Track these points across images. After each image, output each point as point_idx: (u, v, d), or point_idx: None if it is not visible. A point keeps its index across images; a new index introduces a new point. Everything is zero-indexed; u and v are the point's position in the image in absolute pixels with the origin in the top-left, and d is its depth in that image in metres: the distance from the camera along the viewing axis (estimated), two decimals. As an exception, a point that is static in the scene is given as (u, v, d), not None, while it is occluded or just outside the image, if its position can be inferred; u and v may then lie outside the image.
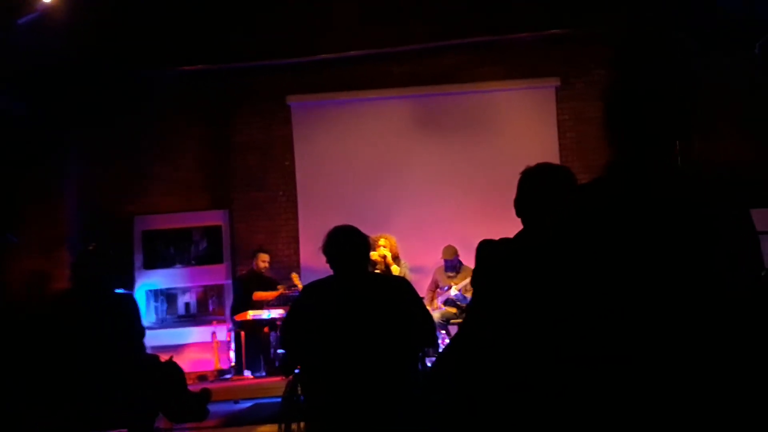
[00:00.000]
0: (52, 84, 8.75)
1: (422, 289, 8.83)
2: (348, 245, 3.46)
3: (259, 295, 8.11)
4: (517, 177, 9.16)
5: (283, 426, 3.32)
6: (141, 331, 3.73)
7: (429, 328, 3.45)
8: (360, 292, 3.36)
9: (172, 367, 3.94)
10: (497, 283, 2.26)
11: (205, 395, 4.09)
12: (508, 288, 2.17)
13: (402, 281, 3.67)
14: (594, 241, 1.62)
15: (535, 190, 2.48)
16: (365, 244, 3.52)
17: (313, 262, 9.19)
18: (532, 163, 8.72)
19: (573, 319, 1.61)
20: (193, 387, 8.14)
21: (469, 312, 2.73)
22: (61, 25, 7.20)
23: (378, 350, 3.25)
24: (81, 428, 3.43)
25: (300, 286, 7.88)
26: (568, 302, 1.63)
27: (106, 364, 3.43)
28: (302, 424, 3.28)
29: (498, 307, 2.21)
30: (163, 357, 9.27)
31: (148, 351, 9.17)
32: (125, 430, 3.60)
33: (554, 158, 9.48)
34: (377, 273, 3.82)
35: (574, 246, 1.65)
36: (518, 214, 2.55)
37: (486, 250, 2.45)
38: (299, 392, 3.34)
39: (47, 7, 6.76)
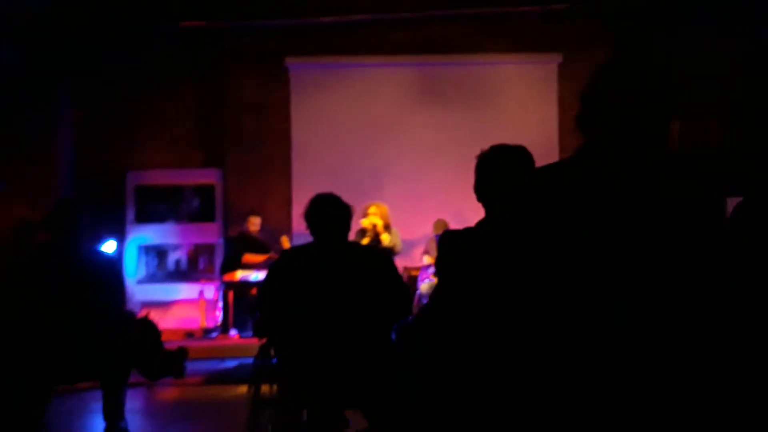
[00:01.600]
0: (46, 33, 8.63)
1: (414, 259, 8.86)
2: (330, 214, 3.44)
3: (248, 257, 8.11)
4: None
5: (253, 388, 3.33)
6: (118, 287, 3.71)
7: (404, 300, 3.44)
8: (338, 260, 3.35)
9: (147, 323, 3.94)
10: (455, 272, 2.25)
11: (182, 353, 4.10)
12: (466, 276, 2.16)
13: (381, 253, 3.66)
14: (550, 224, 1.60)
15: (491, 174, 2.45)
16: (347, 213, 3.49)
17: (305, 227, 9.18)
18: (531, 139, 8.75)
19: (522, 305, 1.60)
20: (181, 343, 8.20)
21: (431, 301, 2.72)
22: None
23: (352, 318, 3.26)
24: (53, 380, 3.44)
25: (289, 250, 7.88)
26: (519, 287, 1.61)
27: (80, 317, 3.42)
28: (273, 387, 3.28)
29: (457, 296, 2.20)
30: (151, 312, 9.30)
31: (138, 306, 9.28)
32: (98, 383, 3.60)
33: (553, 135, 9.45)
34: (357, 243, 3.80)
35: (529, 229, 1.63)
36: (479, 200, 2.52)
37: (446, 240, 2.45)
38: (272, 355, 3.34)
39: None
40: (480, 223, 2.49)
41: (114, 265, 3.81)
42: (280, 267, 3.42)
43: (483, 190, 2.56)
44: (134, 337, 3.69)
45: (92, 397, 3.62)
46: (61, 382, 3.49)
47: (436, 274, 2.44)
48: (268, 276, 3.45)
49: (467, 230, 2.48)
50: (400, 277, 3.57)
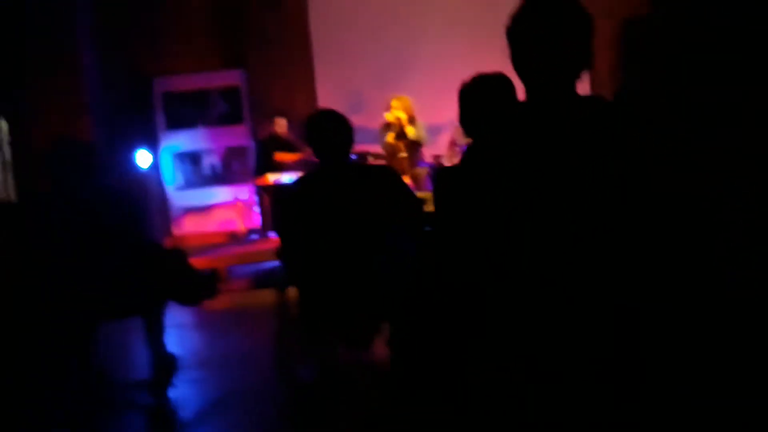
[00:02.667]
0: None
1: (441, 147, 8.87)
2: (330, 130, 3.45)
3: (281, 156, 8.19)
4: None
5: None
6: (137, 222, 3.83)
7: (416, 215, 3.50)
8: (345, 184, 3.41)
9: (176, 252, 4.11)
10: (447, 208, 2.28)
11: (214, 276, 4.30)
12: (456, 214, 2.19)
13: (387, 170, 3.69)
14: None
15: (473, 106, 2.46)
16: (348, 128, 3.50)
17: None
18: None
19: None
20: (224, 246, 8.49)
21: (428, 238, 2.77)
22: None
23: (366, 241, 3.35)
24: (92, 319, 3.66)
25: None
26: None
27: (107, 256, 3.58)
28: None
29: (450, 233, 2.25)
30: (192, 219, 9.57)
31: (180, 211, 9.55)
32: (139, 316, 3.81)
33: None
34: (361, 164, 3.84)
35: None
36: (464, 133, 2.54)
37: (440, 177, 2.48)
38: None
39: None
40: (465, 157, 2.50)
41: (128, 200, 3.89)
42: (289, 200, 3.51)
43: (467, 123, 2.58)
44: (164, 267, 3.85)
45: (134, 327, 3.86)
46: (101, 320, 3.71)
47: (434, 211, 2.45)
48: (281, 210, 3.54)
49: (456, 168, 2.51)
50: (410, 192, 3.61)
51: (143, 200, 3.95)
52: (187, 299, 4.06)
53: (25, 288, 3.38)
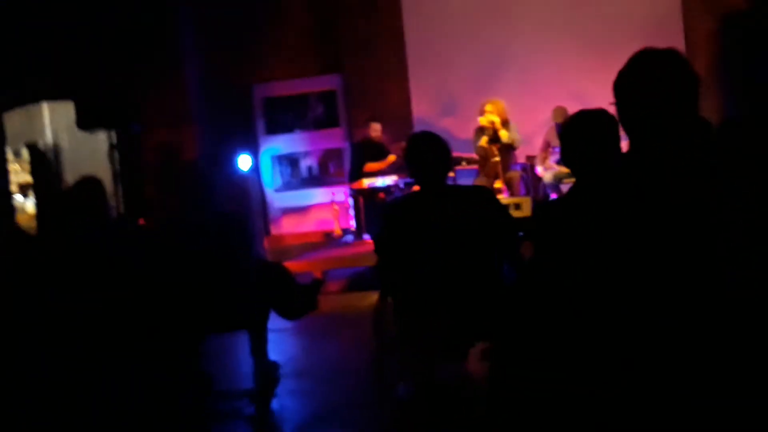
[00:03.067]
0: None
1: (535, 148, 8.85)
2: (428, 155, 3.53)
3: (370, 166, 8.37)
4: (635, 25, 9.03)
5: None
6: (243, 243, 4.03)
7: (512, 239, 3.56)
8: (443, 207, 3.49)
9: (278, 268, 4.30)
10: (547, 241, 2.35)
11: (316, 286, 4.47)
12: (554, 246, 2.26)
13: (484, 192, 3.75)
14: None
15: (577, 142, 2.48)
16: (446, 151, 3.56)
17: (425, 124, 9.33)
18: (653, 13, 8.37)
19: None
20: (322, 248, 8.72)
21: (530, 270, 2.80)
22: None
23: (464, 264, 3.43)
24: (200, 332, 3.89)
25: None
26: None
27: (217, 275, 3.80)
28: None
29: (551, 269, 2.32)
30: (289, 219, 9.83)
31: (279, 212, 9.86)
32: (245, 330, 4.03)
33: (677, 12, 8.94)
34: (458, 187, 3.90)
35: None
36: (567, 166, 2.58)
37: (539, 212, 2.52)
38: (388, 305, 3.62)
39: None
40: (570, 194, 2.55)
41: (233, 222, 4.09)
42: (389, 220, 3.61)
43: (570, 159, 2.61)
44: (269, 284, 4.05)
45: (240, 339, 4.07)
46: (209, 333, 3.94)
47: (533, 241, 2.51)
48: (381, 228, 3.65)
49: (559, 202, 2.56)
50: (504, 213, 3.66)
51: (250, 223, 4.14)
52: (291, 313, 4.24)
53: (144, 301, 3.62)
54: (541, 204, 2.58)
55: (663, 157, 1.90)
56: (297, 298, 4.26)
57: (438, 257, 3.45)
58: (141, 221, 6.70)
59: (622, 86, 2.01)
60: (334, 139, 9.95)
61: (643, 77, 1.98)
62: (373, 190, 8.25)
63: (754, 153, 1.95)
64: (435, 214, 3.49)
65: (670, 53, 2.00)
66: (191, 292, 3.73)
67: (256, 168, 9.87)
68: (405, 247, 3.52)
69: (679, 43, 8.90)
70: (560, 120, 8.30)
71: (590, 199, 2.15)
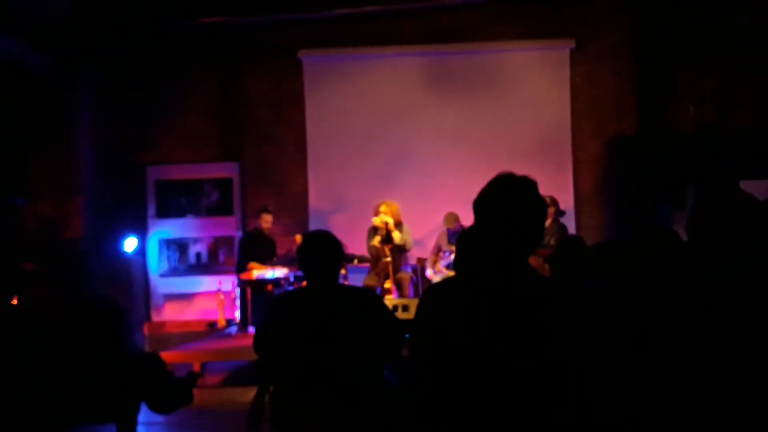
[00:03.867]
0: (65, 36, 8.77)
1: (426, 251, 8.98)
2: (320, 255, 3.55)
3: (253, 265, 8.26)
4: (526, 141, 9.40)
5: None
6: (120, 334, 3.84)
7: (396, 344, 3.57)
8: (329, 307, 3.48)
9: (154, 358, 4.10)
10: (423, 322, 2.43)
11: (192, 380, 4.26)
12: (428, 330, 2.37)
13: (371, 295, 3.78)
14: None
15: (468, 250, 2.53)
16: (338, 252, 3.61)
17: (321, 218, 9.35)
18: (544, 123, 8.83)
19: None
20: (203, 338, 8.44)
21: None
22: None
23: (343, 363, 3.39)
24: (66, 423, 3.62)
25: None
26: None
27: (86, 366, 3.58)
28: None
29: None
30: (173, 306, 9.51)
31: (161, 298, 9.53)
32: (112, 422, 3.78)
33: (565, 122, 9.45)
34: (347, 287, 3.91)
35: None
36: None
37: (427, 297, 2.52)
38: (265, 403, 3.50)
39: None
40: (443, 286, 2.58)
41: (109, 308, 3.89)
42: (274, 313, 3.56)
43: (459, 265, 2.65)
44: (139, 375, 3.84)
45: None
46: (73, 425, 3.67)
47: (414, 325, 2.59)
48: (264, 321, 3.59)
49: (441, 285, 2.57)
50: (390, 317, 3.68)
51: (127, 311, 3.93)
52: (163, 407, 4.02)
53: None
54: (429, 288, 2.61)
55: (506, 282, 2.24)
56: (170, 390, 4.05)
57: (319, 357, 3.40)
58: (14, 300, 6.33)
59: (478, 205, 2.30)
60: (227, 227, 9.81)
61: (496, 198, 2.26)
62: (262, 282, 8.12)
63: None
64: (320, 312, 3.47)
65: (524, 180, 2.29)
66: (56, 379, 3.49)
67: (142, 251, 9.58)
68: (286, 344, 3.46)
69: (567, 162, 9.37)
70: (451, 225, 8.48)
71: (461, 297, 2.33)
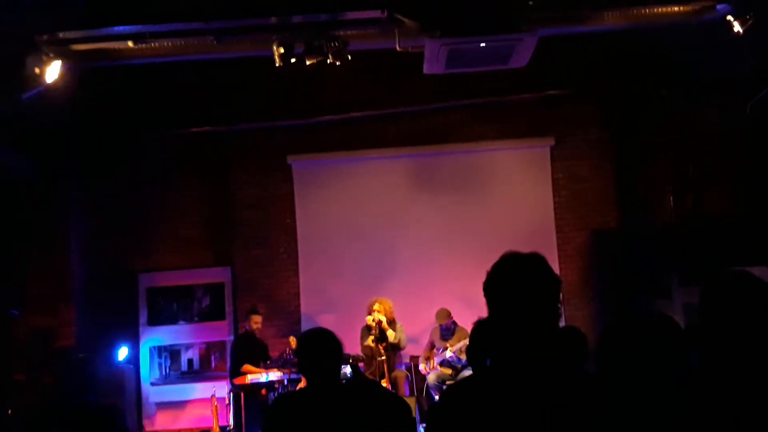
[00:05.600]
0: (56, 144, 8.95)
1: (420, 348, 9.01)
2: (320, 354, 3.52)
3: (248, 368, 8.27)
4: (512, 236, 9.48)
5: None
6: None
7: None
8: (333, 409, 3.47)
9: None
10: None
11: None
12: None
13: (374, 390, 3.77)
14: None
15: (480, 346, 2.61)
16: (340, 350, 3.59)
17: (312, 320, 9.38)
18: (529, 219, 8.97)
19: None
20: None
21: None
22: (64, 95, 7.33)
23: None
24: None
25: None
26: None
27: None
28: None
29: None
30: (165, 414, 9.37)
31: (153, 407, 9.41)
32: None
33: (549, 216, 9.67)
34: (347, 385, 3.90)
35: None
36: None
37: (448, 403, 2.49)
38: None
39: (50, 84, 6.87)
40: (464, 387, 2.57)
41: (107, 417, 3.92)
42: (273, 422, 3.54)
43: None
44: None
45: None
46: None
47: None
48: (266, 428, 3.57)
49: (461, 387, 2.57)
50: (399, 415, 3.66)
51: (124, 419, 3.93)
52: None
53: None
54: (445, 391, 2.57)
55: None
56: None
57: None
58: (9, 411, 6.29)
59: (489, 285, 2.18)
60: (219, 332, 9.81)
61: (508, 276, 2.16)
62: (256, 386, 8.09)
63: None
64: (325, 416, 3.45)
65: (533, 256, 2.19)
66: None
67: (134, 359, 9.54)
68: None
69: (552, 254, 9.53)
70: (443, 321, 8.55)
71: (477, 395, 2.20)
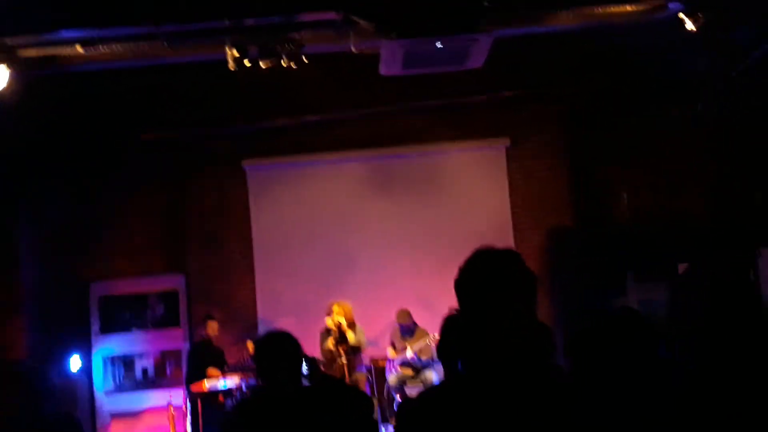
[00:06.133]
0: (2, 152, 8.72)
1: (380, 349, 8.97)
2: (278, 357, 3.44)
3: (212, 371, 8.15)
4: (470, 236, 9.44)
5: None
6: None
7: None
8: (294, 408, 3.41)
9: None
10: None
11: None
12: None
13: (335, 387, 3.72)
14: None
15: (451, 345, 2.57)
16: (296, 351, 3.50)
17: (270, 325, 9.26)
18: (485, 220, 8.96)
19: None
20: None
21: None
22: (12, 103, 7.12)
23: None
24: None
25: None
26: None
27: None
28: None
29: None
30: (120, 424, 9.19)
31: (107, 417, 9.20)
32: None
33: (506, 216, 9.72)
34: (308, 387, 3.81)
35: None
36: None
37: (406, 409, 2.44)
38: None
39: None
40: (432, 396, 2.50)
41: (67, 428, 3.80)
42: (234, 424, 3.48)
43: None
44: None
45: None
46: None
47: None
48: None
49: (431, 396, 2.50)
50: (366, 415, 3.62)
51: (81, 429, 3.79)
52: None
53: None
54: (405, 401, 2.50)
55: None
56: None
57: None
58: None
59: (461, 283, 2.04)
60: (174, 339, 9.62)
61: (481, 273, 2.02)
62: (214, 393, 7.96)
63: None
64: (286, 419, 3.39)
65: (507, 252, 2.06)
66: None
67: (87, 369, 9.31)
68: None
69: (510, 255, 9.57)
70: (404, 321, 8.53)
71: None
